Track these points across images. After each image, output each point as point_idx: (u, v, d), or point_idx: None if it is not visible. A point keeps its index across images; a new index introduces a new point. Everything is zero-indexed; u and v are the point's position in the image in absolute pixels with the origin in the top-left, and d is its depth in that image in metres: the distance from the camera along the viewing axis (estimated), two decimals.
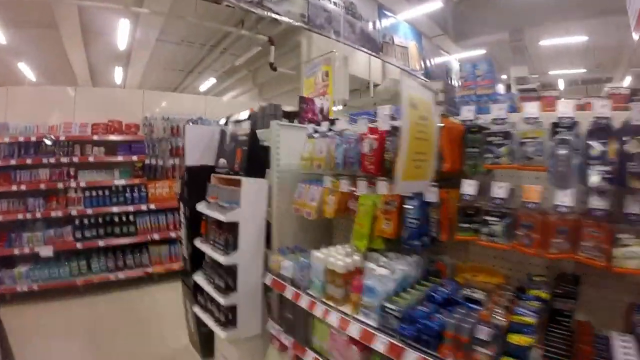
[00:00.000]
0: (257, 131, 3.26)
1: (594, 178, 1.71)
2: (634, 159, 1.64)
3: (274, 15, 5.49)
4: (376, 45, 7.07)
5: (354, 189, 2.59)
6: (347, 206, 2.70)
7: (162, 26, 8.67)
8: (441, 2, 7.78)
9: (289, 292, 2.66)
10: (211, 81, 13.74)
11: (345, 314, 2.28)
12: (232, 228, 3.04)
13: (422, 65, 8.41)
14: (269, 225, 3.09)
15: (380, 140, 2.42)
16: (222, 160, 3.48)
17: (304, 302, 2.54)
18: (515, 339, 1.68)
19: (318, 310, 2.43)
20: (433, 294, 2.14)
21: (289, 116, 3.52)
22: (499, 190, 2.06)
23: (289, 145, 3.11)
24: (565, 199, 1.80)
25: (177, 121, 6.92)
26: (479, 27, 9.58)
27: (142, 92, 7.46)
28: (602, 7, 7.56)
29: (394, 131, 2.34)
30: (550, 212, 1.90)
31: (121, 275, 6.20)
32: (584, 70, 12.14)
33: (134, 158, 6.57)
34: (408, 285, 2.29)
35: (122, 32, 8.48)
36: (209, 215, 3.27)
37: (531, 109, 2.00)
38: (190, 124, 6.63)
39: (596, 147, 1.74)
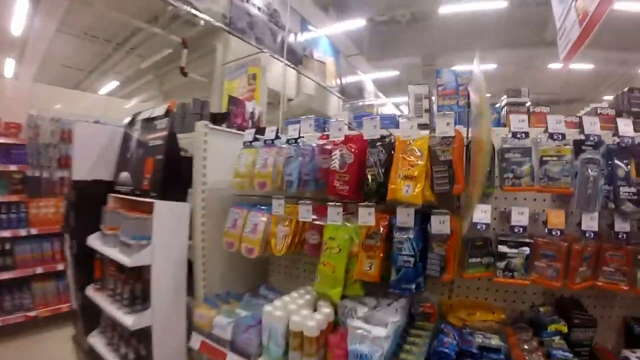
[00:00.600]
0: (176, 137, 2.32)
1: (624, 200, 1.59)
2: None
3: (194, 11, 4.75)
4: (296, 57, 6.50)
5: (315, 217, 1.88)
6: (303, 238, 2.01)
7: (64, 14, 6.84)
8: (364, 21, 7.82)
9: None
10: (113, 84, 11.79)
11: None
12: (140, 274, 2.09)
13: (338, 82, 8.18)
14: (190, 265, 2.22)
15: (358, 152, 1.77)
16: (125, 174, 2.42)
17: None
18: None
19: None
20: (443, 349, 1.60)
21: (215, 119, 2.63)
22: (520, 216, 1.67)
23: (218, 157, 2.25)
24: (592, 223, 1.60)
25: (70, 124, 5.10)
26: (393, 49, 9.71)
27: (28, 85, 5.75)
28: (511, 40, 8.01)
29: (382, 140, 1.73)
30: (573, 239, 1.73)
31: None
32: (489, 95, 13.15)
33: (13, 168, 4.81)
34: (398, 339, 1.72)
35: (19, 15, 6.36)
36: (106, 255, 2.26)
37: (556, 124, 1.68)
38: None
39: (622, 167, 1.62)
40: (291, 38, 6.62)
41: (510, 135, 1.71)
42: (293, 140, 1.97)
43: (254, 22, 5.84)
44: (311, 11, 7.67)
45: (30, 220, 4.81)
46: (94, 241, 2.41)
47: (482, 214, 1.66)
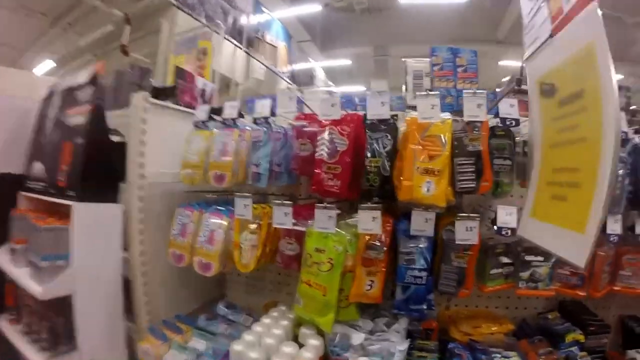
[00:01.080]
0: (105, 113, 1.62)
1: None
2: None
3: None
4: (247, 39, 5.73)
5: (294, 221, 1.40)
6: (275, 248, 1.54)
7: None
8: (320, 6, 7.36)
9: None
10: (48, 64, 10.03)
11: None
12: (61, 306, 1.51)
13: (289, 68, 7.52)
14: (127, 284, 1.65)
15: (354, 136, 1.31)
16: (38, 166, 1.72)
17: None
18: None
19: None
20: None
21: (158, 94, 1.96)
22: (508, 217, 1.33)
23: (162, 142, 1.65)
24: (616, 226, 1.40)
25: None
26: (346, 38, 9.30)
27: None
28: (463, 36, 7.71)
29: (387, 123, 1.28)
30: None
31: None
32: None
33: None
34: None
35: None
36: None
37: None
38: None
39: None
40: (243, 19, 5.85)
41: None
42: (262, 120, 1.45)
43: None
44: None
45: None
46: (2, 258, 1.73)
47: (507, 216, 1.30)
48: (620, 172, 1.36)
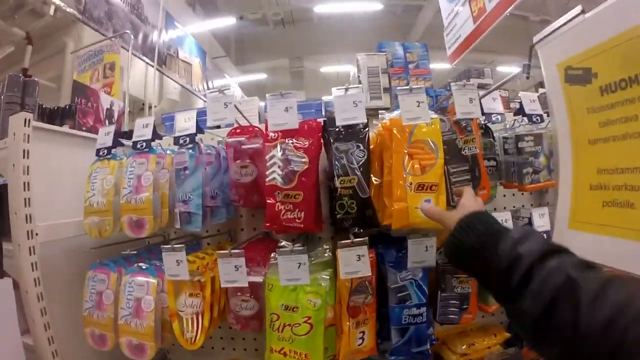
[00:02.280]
0: None
1: None
2: None
3: None
4: (160, 57, 4.96)
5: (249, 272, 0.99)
6: (226, 306, 1.11)
7: None
8: (234, 19, 7.09)
9: None
10: None
11: None
12: None
13: (205, 85, 6.83)
14: None
15: (315, 149, 0.93)
16: None
17: None
18: None
19: None
20: None
21: (52, 117, 1.34)
22: (541, 220, 1.13)
23: (54, 182, 1.12)
24: None
25: None
26: (261, 51, 8.96)
27: None
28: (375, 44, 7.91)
29: (358, 128, 0.92)
30: None
31: None
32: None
33: None
34: None
35: None
36: None
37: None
38: None
39: None
40: (155, 36, 5.12)
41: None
42: (187, 139, 1.01)
43: (112, 12, 4.31)
44: (178, 6, 6.31)
45: None
46: None
47: (540, 219, 1.02)
48: None
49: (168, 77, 5.47)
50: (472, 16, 1.86)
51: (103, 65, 3.61)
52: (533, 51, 0.92)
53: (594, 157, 0.79)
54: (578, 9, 0.80)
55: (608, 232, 0.76)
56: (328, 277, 0.94)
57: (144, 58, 4.69)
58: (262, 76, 9.76)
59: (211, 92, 0.95)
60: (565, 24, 0.82)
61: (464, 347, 1.30)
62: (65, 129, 1.29)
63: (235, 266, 0.91)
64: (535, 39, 0.90)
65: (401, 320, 0.97)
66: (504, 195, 1.35)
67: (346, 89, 0.92)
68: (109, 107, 2.02)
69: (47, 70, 4.70)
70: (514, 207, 1.34)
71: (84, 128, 1.49)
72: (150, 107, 4.36)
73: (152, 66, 4.55)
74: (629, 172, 0.72)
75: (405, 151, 0.86)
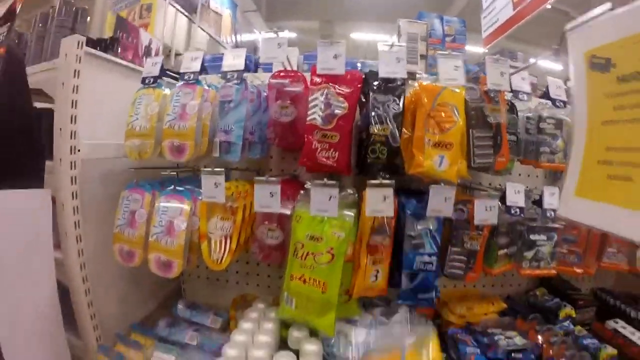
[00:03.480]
0: (23, 64, 1.17)
1: None
2: None
3: None
4: (192, 5, 4.99)
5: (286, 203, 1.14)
6: (249, 236, 1.26)
7: None
8: None
9: None
10: None
11: None
12: None
13: (234, 38, 6.84)
14: (64, 292, 1.26)
15: (355, 98, 1.07)
16: None
17: None
18: None
19: None
20: None
21: (96, 46, 1.45)
22: (551, 198, 1.32)
23: (98, 105, 1.25)
24: None
25: None
26: (292, 10, 8.79)
27: None
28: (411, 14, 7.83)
29: (397, 83, 1.06)
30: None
31: None
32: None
33: None
34: None
35: None
36: None
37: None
38: None
39: None
40: None
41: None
42: (234, 75, 1.15)
43: None
44: None
45: None
46: None
47: (516, 195, 1.19)
48: None
49: (199, 27, 5.54)
50: (512, 2, 1.98)
51: (140, 5, 3.70)
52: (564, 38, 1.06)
53: (605, 136, 0.95)
54: (608, 5, 0.95)
55: (608, 200, 0.93)
56: (353, 215, 1.09)
57: (176, 5, 4.75)
58: (291, 35, 9.95)
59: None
60: (595, 17, 0.97)
61: (463, 309, 1.49)
62: (110, 56, 1.39)
63: (270, 192, 1.06)
64: (568, 27, 1.04)
65: (413, 265, 1.13)
66: (520, 174, 1.52)
67: (391, 45, 1.05)
68: (147, 44, 2.14)
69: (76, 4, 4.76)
70: (527, 187, 1.50)
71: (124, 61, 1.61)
72: (176, 55, 4.48)
73: (184, 14, 4.64)
74: (634, 151, 0.87)
75: (429, 112, 1.01)
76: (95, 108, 1.24)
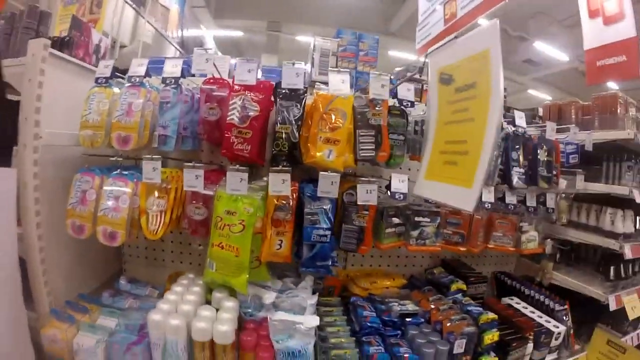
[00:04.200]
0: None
1: (515, 178, 1.83)
2: (543, 165, 1.91)
3: None
4: None
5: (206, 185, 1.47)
6: (180, 214, 1.59)
7: None
8: None
9: None
10: None
11: None
12: None
13: (180, 33, 7.07)
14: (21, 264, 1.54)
15: (265, 104, 1.42)
16: None
17: None
18: (490, 337, 1.60)
19: None
20: (368, 324, 1.54)
21: (52, 45, 1.77)
22: (399, 184, 1.63)
23: (57, 99, 1.56)
24: (489, 196, 1.80)
25: None
26: (240, 8, 9.21)
27: None
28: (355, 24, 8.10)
29: (299, 92, 1.44)
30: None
31: None
32: None
33: None
34: None
35: None
36: None
37: None
38: None
39: (515, 151, 1.84)
40: None
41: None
42: (172, 81, 1.48)
43: None
44: None
45: None
46: None
47: (399, 183, 1.57)
48: (494, 152, 1.69)
49: (147, 21, 5.69)
50: (444, 18, 2.16)
51: (91, 1, 3.93)
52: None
53: (446, 133, 1.35)
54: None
55: (444, 180, 1.32)
56: (261, 196, 1.44)
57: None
58: (238, 34, 10.21)
59: (198, 49, 1.42)
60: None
61: (367, 283, 1.86)
62: (69, 57, 1.69)
63: (196, 175, 1.40)
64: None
65: (311, 237, 1.48)
66: (409, 169, 1.89)
67: (293, 64, 1.41)
68: (97, 42, 2.42)
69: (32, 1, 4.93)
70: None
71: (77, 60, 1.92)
72: (121, 47, 4.70)
73: (132, 7, 4.84)
74: (459, 143, 1.26)
75: (322, 115, 1.37)
76: (55, 101, 1.54)
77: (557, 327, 1.78)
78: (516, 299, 2.01)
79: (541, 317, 1.85)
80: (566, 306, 1.92)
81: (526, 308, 1.93)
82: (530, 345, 1.71)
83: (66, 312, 1.48)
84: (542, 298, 1.97)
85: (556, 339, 1.79)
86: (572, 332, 1.97)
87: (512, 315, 1.82)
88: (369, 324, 1.52)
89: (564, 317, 1.89)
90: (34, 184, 1.48)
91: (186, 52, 7.40)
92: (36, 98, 1.46)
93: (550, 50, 8.22)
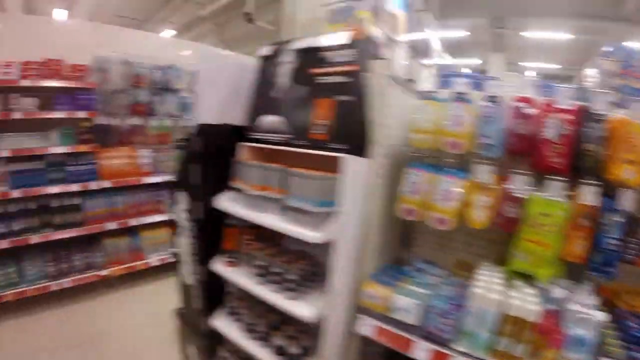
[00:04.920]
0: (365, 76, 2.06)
1: None
2: None
3: None
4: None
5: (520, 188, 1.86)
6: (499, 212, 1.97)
7: None
8: None
9: (422, 352, 1.77)
10: (168, 33, 12.33)
11: None
12: (315, 251, 2.00)
13: (408, 37, 7.67)
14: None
15: (575, 124, 1.78)
16: (272, 119, 2.15)
17: None
18: None
19: None
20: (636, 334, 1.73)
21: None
22: None
23: (394, 109, 2.09)
24: None
25: (142, 67, 4.85)
26: (462, 8, 9.40)
27: (92, 25, 5.28)
28: (583, 10, 8.01)
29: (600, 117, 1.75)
30: None
31: (66, 282, 4.28)
32: (559, 66, 12.95)
33: (81, 114, 4.36)
34: None
35: None
36: (267, 225, 2.06)
37: None
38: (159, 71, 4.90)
39: None
40: None
41: None
42: (492, 99, 1.90)
43: None
44: None
45: (101, 173, 4.56)
46: (228, 204, 2.20)
47: None
48: None
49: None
50: None
51: (356, 19, 4.58)
52: None
53: None
54: None
55: None
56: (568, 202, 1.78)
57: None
58: (463, 33, 10.46)
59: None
60: None
61: (632, 300, 1.93)
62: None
63: (522, 180, 1.80)
64: None
65: (602, 245, 1.73)
66: None
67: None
68: None
69: (265, 14, 6.00)
70: None
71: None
72: None
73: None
74: None
75: (624, 137, 1.69)
76: (394, 110, 2.08)
77: None
78: None
79: None
80: None
81: None
82: None
83: (384, 277, 1.96)
84: None
85: None
86: None
87: None
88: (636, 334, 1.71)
89: None
90: (379, 173, 2.02)
91: (416, 55, 7.87)
92: (385, 108, 2.00)
93: None
